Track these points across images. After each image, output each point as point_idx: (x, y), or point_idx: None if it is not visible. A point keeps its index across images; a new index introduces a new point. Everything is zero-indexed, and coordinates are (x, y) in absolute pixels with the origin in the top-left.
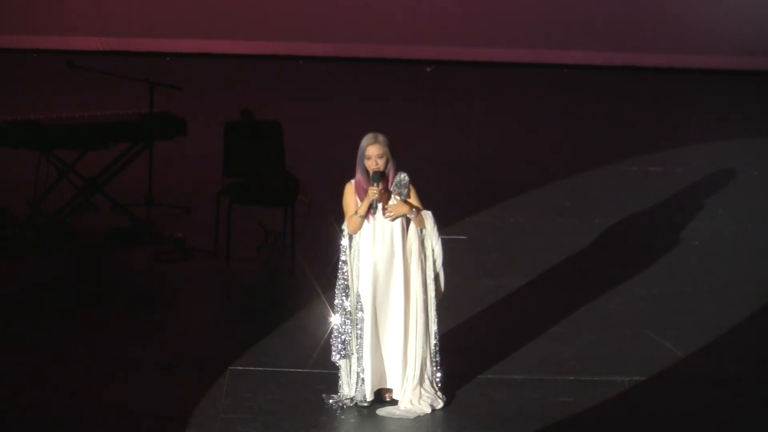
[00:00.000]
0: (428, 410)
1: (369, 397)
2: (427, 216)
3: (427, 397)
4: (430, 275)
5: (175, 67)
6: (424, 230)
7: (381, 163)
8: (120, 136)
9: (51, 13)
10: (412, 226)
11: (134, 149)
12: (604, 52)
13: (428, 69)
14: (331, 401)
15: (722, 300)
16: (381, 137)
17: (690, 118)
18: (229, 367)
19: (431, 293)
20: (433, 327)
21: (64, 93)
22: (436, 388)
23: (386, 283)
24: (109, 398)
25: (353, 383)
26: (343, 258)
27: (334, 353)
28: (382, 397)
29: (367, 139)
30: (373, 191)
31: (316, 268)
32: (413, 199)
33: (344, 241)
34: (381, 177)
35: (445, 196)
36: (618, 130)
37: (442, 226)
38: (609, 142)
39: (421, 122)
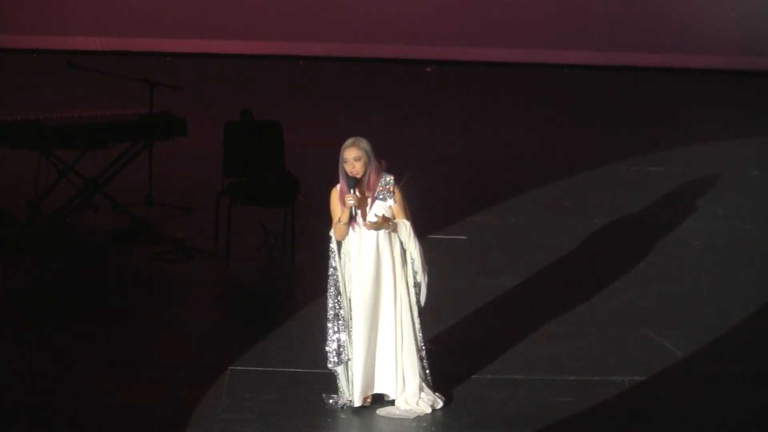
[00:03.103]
0: (428, 410)
1: (357, 403)
2: (402, 227)
3: (427, 397)
4: (411, 282)
5: (175, 67)
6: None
7: (358, 165)
8: (120, 136)
9: (51, 13)
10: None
11: (134, 149)
12: (604, 52)
13: (428, 69)
14: (331, 401)
15: (722, 300)
16: (360, 141)
17: (690, 118)
18: (229, 367)
19: (413, 298)
20: (419, 329)
21: (64, 93)
22: (433, 389)
23: (374, 288)
24: (109, 398)
25: (351, 387)
26: (333, 264)
27: (329, 360)
28: (384, 397)
29: (345, 143)
30: (348, 198)
31: (316, 267)
32: (398, 204)
33: (333, 246)
34: (356, 183)
35: (446, 196)
36: (618, 130)
37: (442, 226)
38: (609, 142)
39: (421, 122)
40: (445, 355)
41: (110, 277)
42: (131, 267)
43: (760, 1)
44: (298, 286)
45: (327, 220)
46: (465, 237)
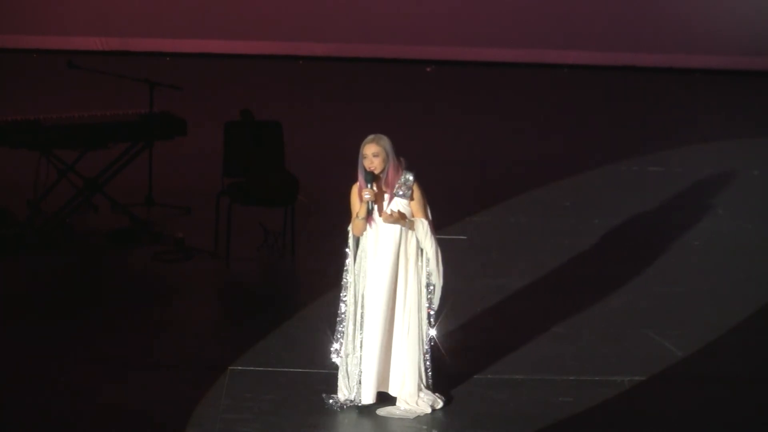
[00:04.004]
0: (428, 410)
1: (366, 400)
2: (419, 225)
3: (427, 397)
4: (423, 282)
5: (175, 67)
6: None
7: (376, 162)
8: (120, 136)
9: (51, 13)
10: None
11: (134, 149)
12: (604, 52)
13: (428, 69)
14: (331, 401)
15: (722, 300)
16: (380, 138)
17: (690, 118)
18: (229, 367)
19: (423, 299)
20: (425, 330)
21: (64, 93)
22: (432, 389)
23: (389, 285)
24: (109, 398)
25: (352, 385)
26: (348, 259)
27: (333, 353)
28: (387, 396)
29: (365, 139)
30: (365, 193)
31: (317, 267)
32: (416, 202)
33: (350, 242)
34: (372, 178)
35: (445, 196)
36: (618, 130)
37: (442, 225)
38: (609, 142)
39: (422, 122)
40: (446, 355)
41: (110, 277)
42: (131, 267)
43: (760, 1)
44: (298, 286)
45: (327, 220)
46: (465, 237)
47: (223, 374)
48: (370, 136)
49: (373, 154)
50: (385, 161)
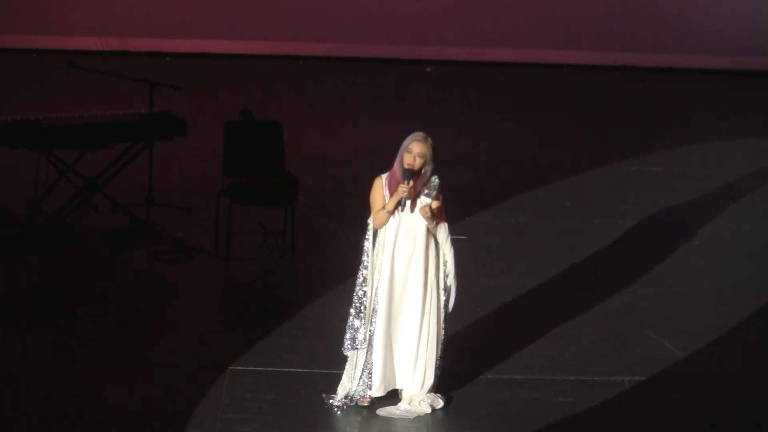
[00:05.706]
0: (428, 410)
1: (375, 393)
2: (441, 227)
3: (427, 397)
4: (442, 285)
5: (175, 67)
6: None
7: (419, 162)
8: (120, 136)
9: (51, 13)
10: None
11: (134, 149)
12: (604, 52)
13: (428, 69)
14: (331, 401)
15: (722, 300)
16: (428, 139)
17: (690, 118)
18: (229, 367)
19: (441, 302)
20: (442, 333)
21: (64, 93)
22: (435, 389)
23: (405, 282)
24: (109, 398)
25: (356, 377)
26: (365, 251)
27: (344, 346)
28: (399, 395)
29: (415, 135)
30: (403, 188)
31: (316, 267)
32: (437, 203)
33: (368, 235)
34: (411, 175)
35: (446, 196)
36: (618, 130)
37: None
38: (609, 142)
39: (422, 122)
40: (445, 356)
41: (110, 277)
42: (131, 267)
43: (760, 1)
44: (298, 286)
45: (327, 221)
46: (465, 237)
47: (223, 374)
48: (420, 134)
49: (418, 153)
50: (425, 163)
